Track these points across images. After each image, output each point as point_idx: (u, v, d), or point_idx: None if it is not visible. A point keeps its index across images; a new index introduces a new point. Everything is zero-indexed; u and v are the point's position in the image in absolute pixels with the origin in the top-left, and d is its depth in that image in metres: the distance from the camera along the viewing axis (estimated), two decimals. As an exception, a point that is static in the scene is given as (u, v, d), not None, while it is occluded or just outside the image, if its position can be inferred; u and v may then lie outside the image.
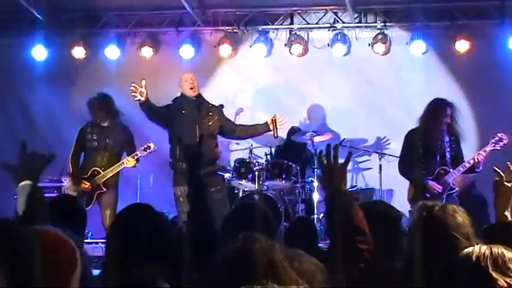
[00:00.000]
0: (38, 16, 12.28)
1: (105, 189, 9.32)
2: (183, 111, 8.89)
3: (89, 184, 9.61)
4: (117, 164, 9.46)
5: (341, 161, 3.86)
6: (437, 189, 8.43)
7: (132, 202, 11.32)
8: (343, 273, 3.51)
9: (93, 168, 9.42)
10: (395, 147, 10.25)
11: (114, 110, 9.75)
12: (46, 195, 9.95)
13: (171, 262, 3.82)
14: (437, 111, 8.58)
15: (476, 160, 8.45)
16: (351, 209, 3.69)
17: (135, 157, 9.53)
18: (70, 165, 9.66)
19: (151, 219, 3.81)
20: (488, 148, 8.53)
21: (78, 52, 12.66)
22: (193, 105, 8.86)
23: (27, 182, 4.08)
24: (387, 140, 11.59)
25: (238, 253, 2.85)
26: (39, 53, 12.63)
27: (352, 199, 3.79)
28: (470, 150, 9.59)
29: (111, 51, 12.68)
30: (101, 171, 9.40)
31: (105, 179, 9.45)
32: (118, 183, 9.79)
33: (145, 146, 9.57)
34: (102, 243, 9.26)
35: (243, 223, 4.04)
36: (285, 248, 3.17)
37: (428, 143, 8.53)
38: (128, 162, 9.48)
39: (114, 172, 9.53)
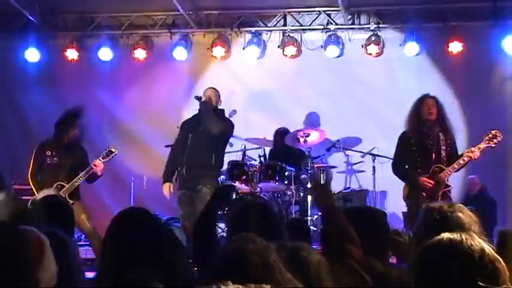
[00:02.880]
0: (32, 18, 12.34)
1: (72, 202, 8.93)
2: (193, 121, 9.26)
3: None
4: (83, 172, 9.22)
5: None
6: (428, 184, 8.40)
7: (126, 204, 11.36)
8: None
9: (57, 183, 9.21)
10: (389, 148, 10.24)
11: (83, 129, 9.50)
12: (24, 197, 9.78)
13: (167, 264, 3.84)
14: (416, 104, 8.57)
15: (470, 158, 8.41)
16: (344, 222, 3.81)
17: (102, 160, 9.34)
18: (32, 184, 9.29)
19: (147, 222, 3.84)
20: (483, 145, 8.42)
21: (71, 54, 12.70)
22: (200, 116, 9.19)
23: None
24: (380, 141, 11.51)
25: (233, 253, 2.86)
26: (32, 55, 12.68)
27: (341, 214, 3.91)
28: (461, 151, 9.63)
29: (104, 53, 12.70)
30: (65, 185, 9.08)
31: (70, 190, 9.19)
32: (79, 192, 9.51)
33: (107, 151, 9.30)
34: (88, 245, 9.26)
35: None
36: (290, 241, 3.28)
37: (421, 141, 8.47)
38: (96, 165, 9.25)
39: (79, 182, 9.28)
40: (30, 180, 9.34)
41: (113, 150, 9.34)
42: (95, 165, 9.12)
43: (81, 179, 9.14)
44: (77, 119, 9.37)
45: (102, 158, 9.25)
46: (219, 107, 9.48)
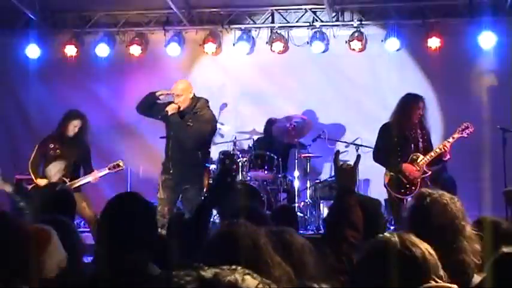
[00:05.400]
0: (32, 16, 12.69)
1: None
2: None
3: None
4: (86, 176, 9.74)
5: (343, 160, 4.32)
6: (412, 171, 8.86)
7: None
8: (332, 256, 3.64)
9: (61, 178, 9.58)
10: (371, 139, 10.60)
11: (86, 129, 9.98)
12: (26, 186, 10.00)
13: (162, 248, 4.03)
14: (410, 104, 9.00)
15: (443, 149, 8.87)
16: (353, 206, 3.82)
17: (103, 174, 9.80)
18: (31, 172, 9.73)
19: (140, 206, 3.74)
20: (456, 135, 8.92)
21: (70, 50, 13.03)
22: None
23: None
24: (363, 132, 11.84)
25: (223, 236, 2.97)
26: (32, 51, 13.01)
27: (356, 199, 3.89)
28: (439, 142, 10.05)
29: (101, 50, 13.06)
30: (67, 182, 9.53)
31: (73, 186, 9.60)
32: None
33: (115, 164, 9.82)
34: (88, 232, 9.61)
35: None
36: (275, 226, 3.52)
37: (402, 134, 8.95)
38: (95, 178, 9.74)
39: (80, 184, 9.84)
40: (30, 168, 9.77)
41: (121, 164, 9.84)
42: (94, 178, 9.74)
43: (81, 181, 9.73)
44: (77, 116, 9.88)
45: (109, 169, 9.77)
46: (198, 97, 9.25)
